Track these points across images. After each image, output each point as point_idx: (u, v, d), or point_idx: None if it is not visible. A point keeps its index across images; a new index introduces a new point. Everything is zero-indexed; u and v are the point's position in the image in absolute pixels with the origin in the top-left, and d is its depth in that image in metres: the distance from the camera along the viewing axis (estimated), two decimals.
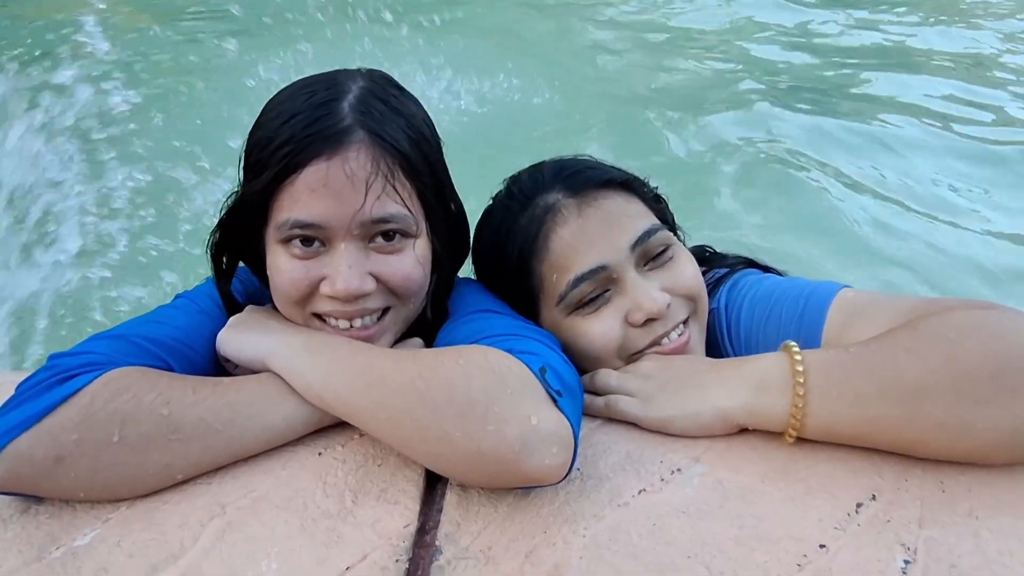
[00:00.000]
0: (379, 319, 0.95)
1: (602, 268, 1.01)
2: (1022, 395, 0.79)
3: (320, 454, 0.90)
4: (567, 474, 0.79)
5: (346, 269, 0.89)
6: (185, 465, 0.84)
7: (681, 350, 1.02)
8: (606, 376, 1.00)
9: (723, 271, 1.15)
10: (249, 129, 0.97)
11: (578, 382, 0.88)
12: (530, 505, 0.83)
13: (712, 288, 1.13)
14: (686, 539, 0.78)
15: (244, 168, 0.96)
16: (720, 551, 0.77)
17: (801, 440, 0.88)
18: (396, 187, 0.90)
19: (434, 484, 0.87)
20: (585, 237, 1.02)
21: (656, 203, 1.12)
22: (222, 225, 0.98)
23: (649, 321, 1.00)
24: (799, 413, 0.86)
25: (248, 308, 1.03)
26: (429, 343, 1.01)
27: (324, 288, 0.91)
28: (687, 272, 1.05)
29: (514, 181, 1.13)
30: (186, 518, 0.81)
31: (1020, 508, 0.81)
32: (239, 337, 0.97)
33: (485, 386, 0.78)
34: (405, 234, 0.93)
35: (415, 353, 0.87)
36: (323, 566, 0.76)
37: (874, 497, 0.82)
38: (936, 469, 0.85)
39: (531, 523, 0.80)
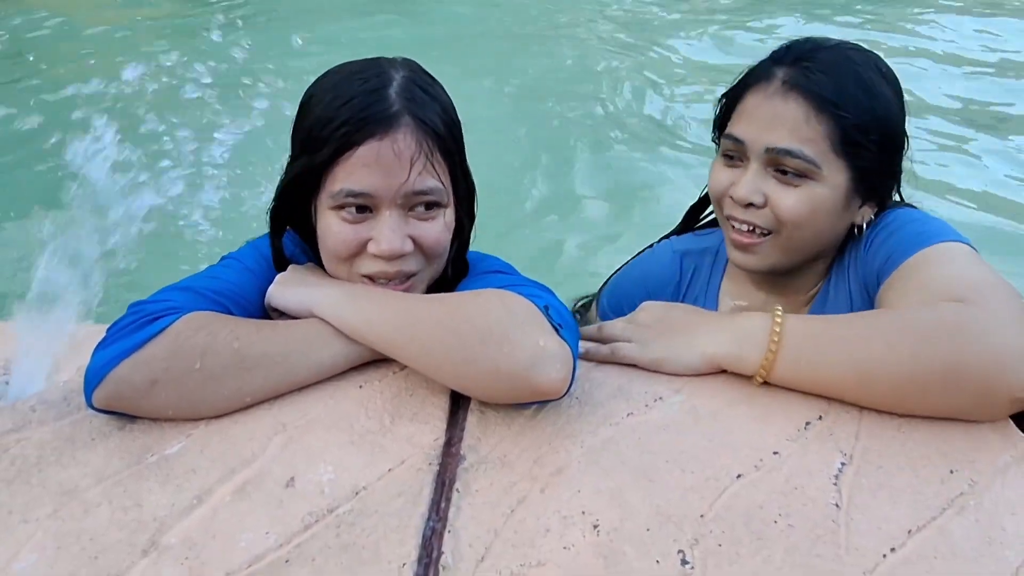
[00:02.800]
0: (407, 280, 1.12)
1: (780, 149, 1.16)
2: (962, 394, 0.95)
3: (361, 387, 1.07)
4: (568, 390, 0.96)
5: (390, 232, 1.05)
6: (252, 390, 1.01)
7: (743, 246, 1.23)
8: (611, 326, 1.17)
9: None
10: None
11: (574, 321, 1.06)
12: (537, 424, 1.00)
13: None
14: (665, 449, 0.96)
15: (300, 143, 1.11)
16: (692, 457, 0.94)
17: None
18: (434, 164, 1.06)
19: (457, 409, 1.04)
20: (768, 112, 1.18)
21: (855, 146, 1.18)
22: (280, 194, 1.14)
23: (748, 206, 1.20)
24: (768, 365, 1.03)
25: (291, 267, 1.20)
26: None
27: (370, 248, 1.07)
28: (800, 199, 1.17)
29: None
30: (254, 433, 0.98)
31: (942, 425, 0.98)
32: (286, 291, 1.14)
33: (500, 318, 0.95)
34: (438, 204, 1.09)
35: (441, 296, 1.05)
36: (370, 468, 0.93)
37: (821, 417, 1.00)
38: None
39: (538, 437, 0.98)
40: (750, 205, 1.19)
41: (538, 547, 0.83)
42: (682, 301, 1.37)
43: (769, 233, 1.20)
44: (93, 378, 0.95)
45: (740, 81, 1.26)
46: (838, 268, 1.28)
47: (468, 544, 0.83)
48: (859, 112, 1.15)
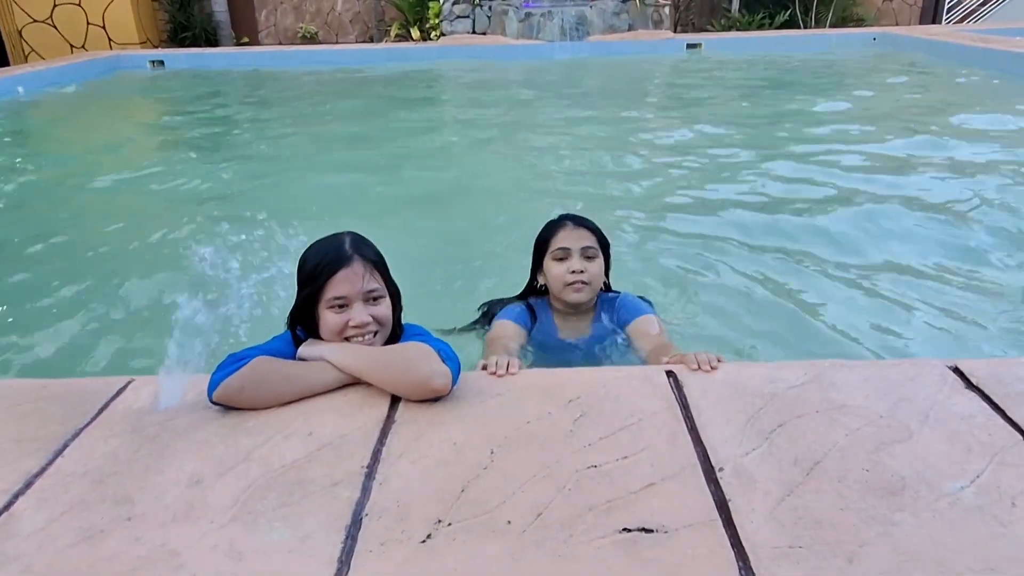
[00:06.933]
0: (374, 336, 2.15)
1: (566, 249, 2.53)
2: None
3: (345, 395, 2.07)
4: (450, 391, 1.98)
5: (359, 315, 2.09)
6: (293, 392, 2.00)
7: (579, 290, 2.55)
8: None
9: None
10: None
11: (456, 356, 2.07)
12: (432, 407, 1.99)
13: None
14: (474, 415, 1.95)
15: (303, 281, 2.13)
16: (485, 417, 1.94)
17: None
18: (374, 276, 2.12)
19: (395, 402, 2.03)
20: (576, 235, 2.56)
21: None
22: (296, 307, 2.18)
23: (581, 272, 2.52)
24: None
25: (309, 340, 2.22)
26: None
27: (351, 323, 2.10)
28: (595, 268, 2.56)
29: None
30: (291, 415, 1.97)
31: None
32: (309, 350, 2.15)
33: (415, 356, 1.98)
34: (381, 296, 2.14)
35: (388, 347, 2.08)
36: (349, 425, 1.91)
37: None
38: None
39: (432, 412, 1.97)
40: (582, 271, 2.48)
41: (425, 449, 1.81)
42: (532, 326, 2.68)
43: (588, 284, 2.50)
44: (213, 386, 1.95)
45: (545, 234, 2.61)
46: (599, 309, 2.63)
47: (396, 451, 1.81)
48: (601, 235, 2.57)
